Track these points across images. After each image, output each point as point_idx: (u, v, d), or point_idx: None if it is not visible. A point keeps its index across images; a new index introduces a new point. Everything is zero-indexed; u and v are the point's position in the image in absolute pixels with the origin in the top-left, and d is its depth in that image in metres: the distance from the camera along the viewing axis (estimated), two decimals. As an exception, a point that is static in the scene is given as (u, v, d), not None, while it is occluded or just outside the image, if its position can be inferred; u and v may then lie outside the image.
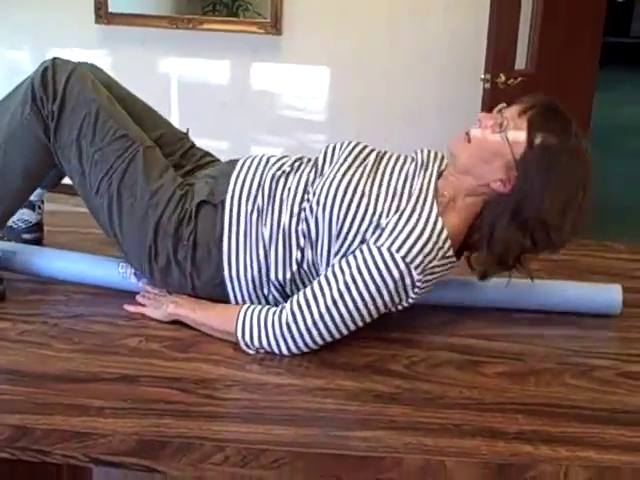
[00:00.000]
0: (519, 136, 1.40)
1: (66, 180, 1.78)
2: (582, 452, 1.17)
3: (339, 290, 1.39)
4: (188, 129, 1.80)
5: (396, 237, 1.38)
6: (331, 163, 1.55)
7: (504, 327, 1.56)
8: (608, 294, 1.61)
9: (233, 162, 1.64)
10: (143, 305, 1.57)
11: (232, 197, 1.53)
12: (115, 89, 1.70)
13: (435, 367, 1.41)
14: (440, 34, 3.78)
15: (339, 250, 1.45)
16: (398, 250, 1.37)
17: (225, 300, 1.54)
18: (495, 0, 3.02)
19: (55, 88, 1.53)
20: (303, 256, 1.49)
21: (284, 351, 1.41)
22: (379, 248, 1.38)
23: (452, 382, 1.36)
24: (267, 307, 1.45)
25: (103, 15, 4.10)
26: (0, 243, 1.71)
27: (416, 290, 1.41)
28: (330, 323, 1.39)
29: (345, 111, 4.04)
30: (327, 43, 3.95)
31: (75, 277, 1.66)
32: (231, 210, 1.52)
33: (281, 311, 1.42)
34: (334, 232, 1.45)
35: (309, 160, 1.60)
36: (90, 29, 4.16)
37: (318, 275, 1.49)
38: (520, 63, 3.29)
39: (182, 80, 4.21)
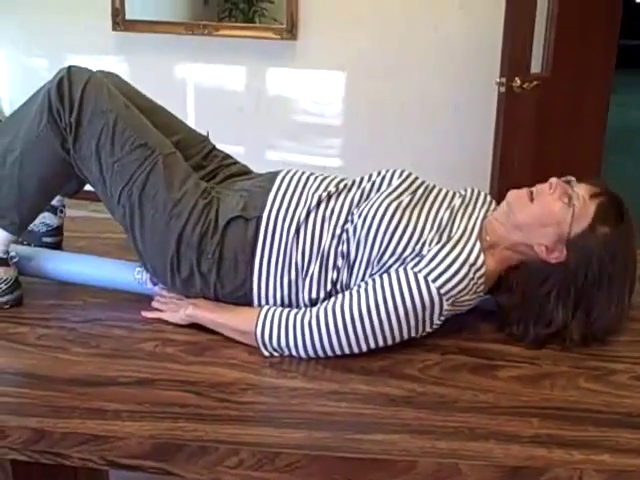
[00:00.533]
0: (584, 216, 1.43)
1: (87, 187, 1.80)
2: (597, 456, 1.17)
3: (368, 306, 1.40)
4: (208, 132, 1.80)
5: (435, 267, 1.40)
6: (379, 189, 1.55)
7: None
8: None
9: (271, 176, 1.62)
10: (160, 310, 1.58)
11: (269, 213, 1.52)
12: (133, 96, 1.70)
13: (449, 371, 1.41)
14: (455, 37, 3.78)
15: (377, 273, 1.46)
16: (435, 280, 1.39)
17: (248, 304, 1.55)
18: (510, 4, 3.02)
19: (71, 99, 1.52)
20: (339, 277, 1.48)
21: (301, 352, 1.42)
22: (416, 274, 1.39)
23: (466, 386, 1.36)
24: (289, 309, 1.46)
25: (120, 22, 4.14)
26: (17, 247, 1.73)
27: (441, 319, 1.43)
28: (352, 336, 1.40)
29: (361, 115, 4.05)
30: (342, 48, 3.95)
31: (91, 281, 1.67)
32: (266, 226, 1.51)
33: (304, 313, 1.43)
34: (374, 256, 1.45)
35: (354, 182, 1.59)
36: (107, 36, 4.19)
37: None
38: (536, 66, 3.28)
39: (199, 86, 4.23)
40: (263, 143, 4.22)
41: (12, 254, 1.62)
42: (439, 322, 1.44)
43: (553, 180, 1.48)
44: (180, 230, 1.51)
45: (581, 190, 1.47)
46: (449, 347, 1.49)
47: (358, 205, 1.51)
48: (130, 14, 4.13)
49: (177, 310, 1.54)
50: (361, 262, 1.47)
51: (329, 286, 1.48)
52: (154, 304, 1.59)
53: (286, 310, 1.45)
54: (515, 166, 3.25)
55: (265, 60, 4.09)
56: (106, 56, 4.25)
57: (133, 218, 1.54)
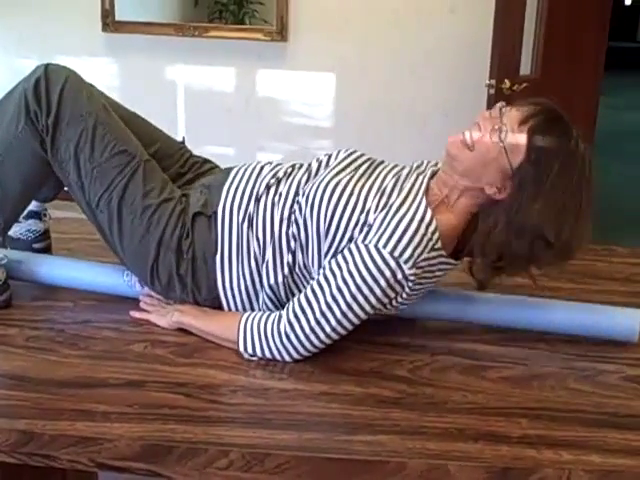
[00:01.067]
0: (517, 146, 1.38)
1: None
2: (585, 456, 1.18)
3: (332, 294, 1.38)
4: (184, 137, 1.80)
5: (382, 233, 1.37)
6: (325, 169, 1.55)
7: (507, 332, 1.56)
8: (626, 322, 1.51)
9: (228, 170, 1.63)
10: (148, 311, 1.58)
11: (224, 208, 1.53)
12: (110, 105, 1.67)
13: (439, 372, 1.41)
14: (445, 39, 3.79)
15: (329, 250, 1.45)
16: (385, 246, 1.36)
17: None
18: (500, 5, 3.03)
19: (49, 101, 1.50)
20: (295, 259, 1.48)
21: (286, 358, 1.42)
22: (366, 246, 1.38)
23: (456, 387, 1.36)
24: (266, 315, 1.45)
25: (110, 23, 4.12)
26: (5, 252, 1.72)
27: (410, 285, 1.39)
28: (327, 327, 1.39)
29: (351, 117, 4.05)
30: (332, 49, 3.96)
31: (80, 285, 1.67)
32: (223, 221, 1.52)
33: (279, 321, 1.42)
34: (322, 231, 1.44)
35: (301, 165, 1.60)
36: (97, 37, 4.18)
37: (311, 277, 1.48)
38: (525, 69, 3.30)
39: (188, 87, 4.23)
40: (253, 144, 4.21)
41: (0, 256, 1.61)
42: (413, 289, 1.40)
43: (479, 117, 1.45)
44: (160, 235, 1.51)
45: (512, 117, 1.41)
46: (439, 348, 1.49)
47: (306, 184, 1.52)
48: (120, 15, 4.12)
49: (164, 314, 1.55)
50: (312, 240, 1.46)
51: (286, 270, 1.48)
52: (142, 305, 1.59)
53: (264, 318, 1.44)
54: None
55: (255, 62, 4.09)
56: (96, 57, 4.23)
57: (112, 224, 1.53)
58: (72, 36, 4.23)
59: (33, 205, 1.77)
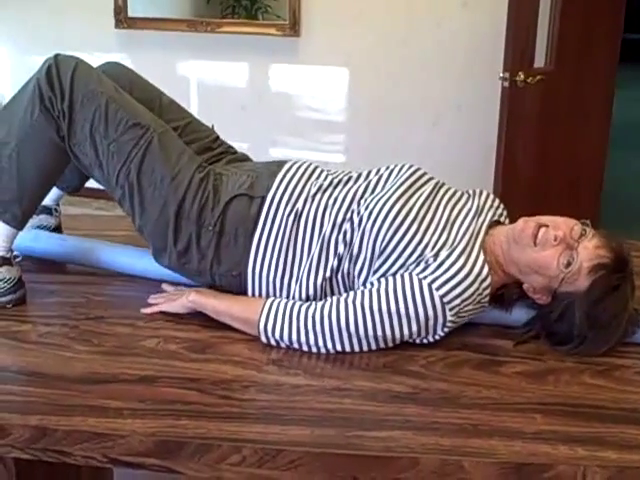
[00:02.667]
0: (575, 284, 1.42)
1: (88, 183, 1.80)
2: (601, 452, 1.16)
3: (371, 309, 1.40)
4: (213, 125, 1.84)
5: (440, 275, 1.40)
6: (386, 182, 1.56)
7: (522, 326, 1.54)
8: None
9: (279, 163, 1.65)
10: (157, 303, 1.58)
11: (273, 197, 1.54)
12: (141, 83, 1.75)
13: (453, 367, 1.40)
14: (458, 32, 3.76)
15: (379, 268, 1.46)
16: (438, 288, 1.39)
17: (242, 293, 1.56)
18: (513, -2, 3.01)
19: (62, 86, 1.53)
20: (340, 265, 1.48)
21: (303, 345, 1.42)
22: (420, 281, 1.40)
23: (470, 382, 1.36)
24: (294, 301, 1.46)
25: (123, 20, 4.14)
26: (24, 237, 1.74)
27: (445, 329, 1.43)
28: (354, 334, 1.41)
29: (364, 111, 4.04)
30: (345, 44, 3.95)
31: (113, 266, 1.72)
32: (269, 208, 1.53)
33: (309, 306, 1.43)
34: (377, 249, 1.45)
35: (360, 175, 1.60)
36: (110, 34, 4.20)
37: (351, 287, 1.50)
38: (539, 61, 3.27)
39: (201, 83, 4.23)
40: (266, 139, 4.21)
41: (15, 253, 1.62)
42: (442, 333, 1.43)
43: (560, 233, 1.42)
44: (179, 203, 1.53)
45: (585, 253, 1.42)
46: (453, 343, 1.48)
47: (363, 196, 1.52)
48: (132, 11, 4.13)
49: (176, 299, 1.55)
50: (365, 254, 1.47)
51: (328, 272, 1.48)
52: (150, 300, 1.59)
53: (291, 302, 1.45)
54: (519, 161, 3.24)
55: (268, 57, 4.08)
56: (109, 54, 4.23)
57: (132, 197, 1.55)
58: (85, 32, 4.25)
59: (46, 199, 1.77)
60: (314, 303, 1.45)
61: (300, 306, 1.44)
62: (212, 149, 1.75)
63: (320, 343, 1.41)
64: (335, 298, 1.44)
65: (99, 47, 4.24)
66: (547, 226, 1.44)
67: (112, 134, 1.54)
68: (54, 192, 1.80)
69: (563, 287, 1.43)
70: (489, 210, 1.58)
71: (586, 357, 1.43)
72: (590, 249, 1.43)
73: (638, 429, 1.22)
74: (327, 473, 1.18)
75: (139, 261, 1.70)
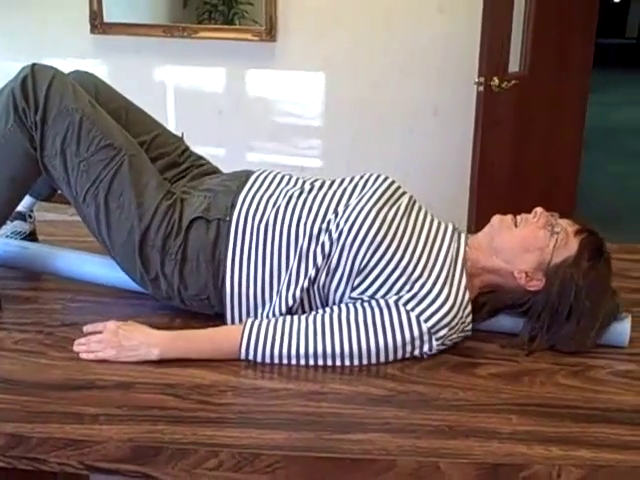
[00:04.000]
0: (566, 248, 1.46)
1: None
2: (575, 451, 1.18)
3: (358, 338, 1.40)
4: (183, 133, 1.81)
5: (428, 306, 1.40)
6: (361, 191, 1.53)
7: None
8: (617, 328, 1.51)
9: (239, 174, 1.62)
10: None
11: (239, 212, 1.51)
12: (107, 94, 1.71)
13: (429, 369, 1.41)
14: (434, 38, 3.79)
15: (358, 286, 1.45)
16: (427, 320, 1.40)
17: (214, 310, 1.54)
18: (488, 3, 3.04)
19: (36, 98, 1.52)
20: (317, 275, 1.46)
21: (286, 358, 1.40)
22: (408, 312, 1.40)
23: (446, 384, 1.36)
24: (274, 320, 1.43)
25: (98, 25, 4.11)
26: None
27: (428, 353, 1.43)
28: (338, 359, 1.40)
29: (341, 116, 4.05)
30: (322, 49, 3.96)
31: (87, 278, 1.69)
32: (237, 223, 1.50)
33: (292, 321, 1.42)
34: (356, 266, 1.44)
35: (333, 182, 1.58)
36: (86, 39, 4.17)
37: (326, 298, 1.49)
38: (514, 66, 3.30)
39: (178, 88, 4.22)
40: (243, 145, 4.21)
41: None
42: (425, 355, 1.44)
43: (538, 209, 1.51)
44: (144, 231, 1.51)
45: (564, 223, 1.50)
46: (429, 346, 1.49)
47: (339, 204, 1.50)
48: (108, 17, 4.11)
49: (129, 349, 1.41)
50: (344, 269, 1.45)
51: (306, 283, 1.46)
52: (92, 346, 1.43)
53: (272, 321, 1.43)
54: (494, 165, 3.27)
55: (244, 62, 4.08)
56: (84, 59, 4.22)
57: (99, 218, 1.53)
58: (60, 38, 4.22)
59: (20, 206, 1.76)
60: (295, 318, 1.43)
61: (283, 322, 1.42)
62: (178, 164, 1.72)
63: (302, 354, 1.40)
64: (319, 318, 1.42)
65: (74, 52, 4.22)
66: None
67: (83, 153, 1.52)
68: (27, 199, 1.79)
69: (555, 257, 1.45)
70: (459, 235, 1.57)
71: (573, 350, 1.46)
72: (567, 221, 1.51)
73: (611, 428, 1.24)
74: (305, 476, 1.18)
75: (101, 269, 1.68)
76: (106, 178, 1.52)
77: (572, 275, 1.44)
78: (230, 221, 1.51)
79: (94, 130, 1.54)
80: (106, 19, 4.11)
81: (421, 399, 1.32)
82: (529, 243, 1.47)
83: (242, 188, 1.56)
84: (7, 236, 1.79)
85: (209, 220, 1.52)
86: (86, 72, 1.74)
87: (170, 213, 1.53)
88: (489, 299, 1.52)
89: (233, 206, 1.53)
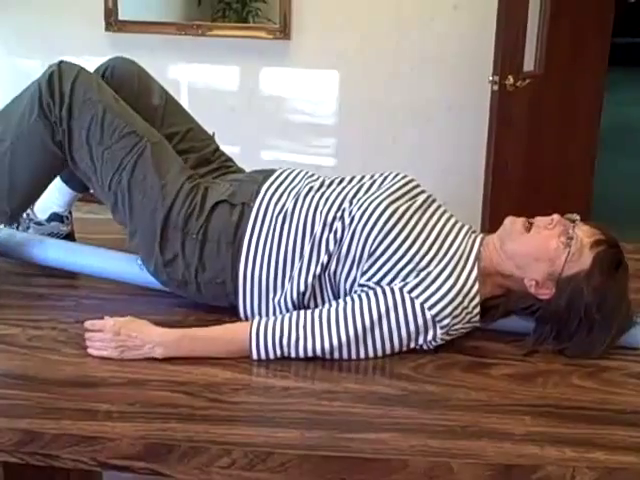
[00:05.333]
0: (579, 262, 1.43)
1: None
2: (589, 453, 1.17)
3: (363, 325, 1.40)
4: (214, 132, 1.84)
5: (432, 294, 1.40)
6: (379, 187, 1.55)
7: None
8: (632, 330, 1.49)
9: (265, 171, 1.66)
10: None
11: (262, 199, 1.55)
12: (146, 82, 1.79)
13: (442, 369, 1.41)
14: (449, 36, 3.77)
15: (367, 271, 1.45)
16: (431, 308, 1.39)
17: (228, 300, 1.55)
18: (503, 1, 3.02)
19: (62, 93, 1.56)
20: (329, 261, 1.48)
21: (294, 351, 1.40)
22: (412, 300, 1.40)
23: (459, 384, 1.36)
24: (281, 317, 1.44)
25: (113, 23, 4.13)
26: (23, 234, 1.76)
27: (433, 343, 1.43)
28: (345, 348, 1.40)
29: (354, 114, 4.04)
30: (335, 47, 3.95)
31: (94, 271, 1.70)
32: (258, 210, 1.53)
33: (299, 314, 1.43)
34: (367, 251, 1.45)
35: (353, 178, 1.61)
36: (100, 37, 4.18)
37: (337, 287, 1.49)
38: (528, 65, 3.28)
39: (192, 86, 4.23)
40: (256, 143, 4.21)
41: None
42: (431, 345, 1.43)
43: (555, 216, 1.48)
44: (167, 212, 1.54)
45: (582, 233, 1.46)
46: (442, 346, 1.47)
47: (356, 196, 1.53)
48: (123, 14, 4.12)
49: (138, 347, 1.41)
50: (354, 255, 1.46)
51: (319, 269, 1.48)
52: (96, 344, 1.43)
53: (279, 317, 1.43)
54: (508, 164, 3.25)
55: (258, 60, 4.08)
56: (99, 57, 4.19)
57: (123, 203, 1.57)
58: (75, 35, 4.23)
59: (57, 207, 1.81)
60: (301, 313, 1.43)
61: (289, 317, 1.42)
62: (209, 162, 1.75)
63: (309, 348, 1.40)
64: (325, 312, 1.42)
65: (89, 50, 4.23)
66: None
67: (107, 141, 1.56)
68: (65, 195, 1.81)
69: (567, 269, 1.43)
70: (477, 233, 1.58)
71: (581, 357, 1.44)
72: (585, 229, 1.47)
73: (626, 430, 1.23)
74: (317, 475, 1.18)
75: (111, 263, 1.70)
76: (129, 164, 1.56)
77: (582, 289, 1.42)
78: (253, 207, 1.54)
79: (117, 120, 1.58)
80: (121, 17, 4.12)
81: (434, 399, 1.31)
82: (540, 252, 1.45)
83: (267, 179, 1.60)
84: (44, 236, 1.79)
85: (234, 204, 1.55)
86: (126, 59, 1.83)
87: (192, 195, 1.56)
88: (501, 301, 1.51)
89: (258, 192, 1.56)
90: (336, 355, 1.41)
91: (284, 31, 3.92)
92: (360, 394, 1.32)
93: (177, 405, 1.27)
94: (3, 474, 1.39)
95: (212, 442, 1.18)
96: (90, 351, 1.42)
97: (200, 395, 1.30)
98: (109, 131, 1.56)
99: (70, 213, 1.87)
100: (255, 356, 1.40)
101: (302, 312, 1.44)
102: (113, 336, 1.41)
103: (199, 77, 4.21)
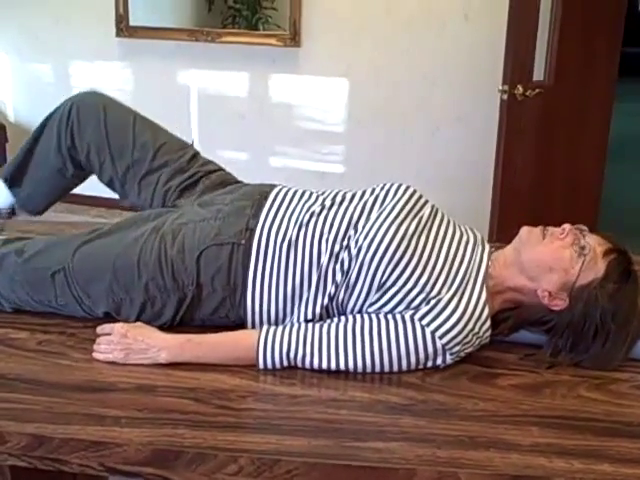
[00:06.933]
0: (593, 270, 1.43)
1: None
2: (596, 465, 1.17)
3: (372, 350, 1.39)
4: (193, 140, 1.82)
5: (443, 322, 1.39)
6: (382, 204, 1.51)
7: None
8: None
9: (250, 194, 1.59)
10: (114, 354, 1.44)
11: (262, 230, 1.49)
12: (114, 109, 1.76)
13: (450, 379, 1.41)
14: (459, 45, 3.78)
15: (377, 301, 1.44)
16: (442, 337, 1.39)
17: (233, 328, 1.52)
18: (513, 11, 3.03)
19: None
20: (336, 292, 1.46)
21: (301, 363, 1.40)
22: (423, 327, 1.39)
23: (467, 394, 1.36)
24: (288, 326, 1.43)
25: (124, 28, 4.15)
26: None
27: (441, 365, 1.43)
28: (351, 370, 1.40)
29: (364, 122, 4.05)
30: (345, 55, 3.96)
31: None
32: (259, 244, 1.48)
33: (308, 327, 1.42)
34: (376, 283, 1.43)
35: (354, 195, 1.57)
36: (111, 42, 4.21)
37: (344, 314, 1.48)
38: (538, 75, 3.29)
39: (202, 92, 4.24)
40: (266, 149, 4.22)
41: None
42: (440, 367, 1.43)
43: (566, 226, 1.48)
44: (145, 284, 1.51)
45: (593, 242, 1.46)
46: (449, 355, 1.48)
47: (359, 220, 1.49)
48: (134, 20, 4.15)
49: (144, 352, 1.42)
50: (362, 286, 1.44)
51: (326, 300, 1.46)
52: (103, 348, 1.44)
53: (287, 329, 1.42)
54: (518, 173, 3.25)
55: (268, 67, 4.10)
56: (110, 62, 4.26)
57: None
58: (86, 41, 4.26)
59: None
60: (310, 326, 1.42)
61: (298, 329, 1.42)
62: (184, 171, 1.71)
63: (316, 365, 1.40)
64: (333, 333, 1.41)
65: (100, 55, 4.26)
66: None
67: None
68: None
69: (581, 278, 1.43)
70: (482, 246, 1.56)
71: (598, 368, 1.44)
72: (596, 238, 1.47)
73: (633, 443, 1.22)
74: (323, 484, 1.18)
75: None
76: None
77: (597, 297, 1.41)
78: (248, 244, 1.49)
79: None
80: (132, 23, 4.15)
81: (441, 409, 1.31)
82: (554, 263, 1.45)
83: (260, 210, 1.54)
84: None
85: (221, 244, 1.50)
86: (90, 93, 1.79)
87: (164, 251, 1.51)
88: (512, 314, 1.50)
89: (248, 229, 1.50)
90: (343, 371, 1.41)
91: (294, 38, 3.93)
92: (367, 403, 1.32)
93: (185, 411, 1.27)
94: (11, 478, 1.39)
95: (220, 449, 1.18)
96: (95, 355, 1.43)
97: (208, 402, 1.30)
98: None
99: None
100: (262, 366, 1.40)
101: (311, 326, 1.43)
102: (120, 338, 1.42)
103: (209, 83, 4.23)
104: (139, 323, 1.48)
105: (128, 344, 1.42)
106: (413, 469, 1.16)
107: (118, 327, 1.45)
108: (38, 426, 1.22)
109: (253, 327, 1.51)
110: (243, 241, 1.49)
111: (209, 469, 1.18)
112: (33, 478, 1.49)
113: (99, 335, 1.47)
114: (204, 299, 1.51)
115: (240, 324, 1.52)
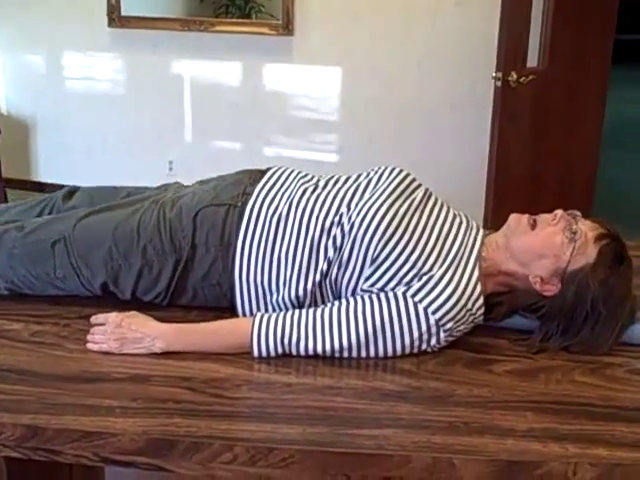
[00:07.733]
0: (584, 255, 1.43)
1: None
2: (591, 450, 1.17)
3: (366, 330, 1.39)
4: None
5: (435, 297, 1.39)
6: (375, 186, 1.53)
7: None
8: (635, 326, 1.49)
9: (250, 171, 1.64)
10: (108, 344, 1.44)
11: (254, 202, 1.52)
12: (99, 193, 1.77)
13: (444, 365, 1.41)
14: (452, 32, 3.78)
15: (369, 277, 1.44)
16: (434, 312, 1.39)
17: (227, 300, 1.53)
18: (506, -3, 3.02)
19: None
20: (329, 269, 1.46)
21: (296, 349, 1.40)
22: (416, 304, 1.39)
23: (461, 380, 1.36)
24: (283, 313, 1.44)
25: (116, 18, 4.13)
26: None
27: (436, 345, 1.43)
28: (346, 352, 1.40)
29: (358, 111, 4.04)
30: (339, 43, 3.95)
31: None
32: (250, 214, 1.51)
33: (301, 312, 1.42)
34: (369, 258, 1.43)
35: (348, 179, 1.59)
36: (103, 32, 4.19)
37: (338, 292, 1.48)
38: (532, 61, 3.28)
39: (195, 82, 4.23)
40: (259, 139, 4.21)
41: None
42: (434, 347, 1.43)
43: (558, 211, 1.48)
44: (143, 249, 1.52)
45: (585, 227, 1.46)
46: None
47: (352, 199, 1.50)
48: (126, 10, 4.13)
49: (139, 342, 1.42)
50: (356, 262, 1.45)
51: (318, 276, 1.46)
52: (96, 338, 1.44)
53: (281, 315, 1.43)
54: (512, 160, 3.25)
55: (261, 56, 4.09)
56: (102, 52, 4.24)
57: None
58: (78, 31, 4.24)
59: None
60: (309, 316, 1.42)
61: (292, 315, 1.42)
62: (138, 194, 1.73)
63: (310, 349, 1.40)
64: (327, 314, 1.41)
65: (92, 46, 4.24)
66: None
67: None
68: None
69: (572, 264, 1.43)
70: (476, 230, 1.56)
71: (587, 353, 1.44)
72: (588, 224, 1.47)
73: (628, 427, 1.23)
74: (319, 471, 1.18)
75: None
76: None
77: (588, 283, 1.41)
78: (243, 207, 1.52)
79: None
80: (124, 13, 4.13)
81: (436, 395, 1.31)
82: (545, 249, 1.45)
83: (258, 181, 1.58)
84: None
85: (218, 205, 1.53)
86: (73, 189, 1.80)
87: (163, 214, 1.53)
88: (505, 299, 1.50)
89: (245, 194, 1.54)
90: (337, 356, 1.41)
91: (287, 27, 3.92)
92: (362, 390, 1.32)
93: (179, 401, 1.27)
94: (6, 469, 1.39)
95: (214, 438, 1.18)
96: (89, 346, 1.42)
97: (202, 391, 1.30)
98: None
99: None
100: (256, 354, 1.40)
101: (304, 311, 1.43)
102: (114, 328, 1.42)
103: (202, 73, 4.21)
104: (133, 312, 1.47)
105: (122, 334, 1.42)
106: (408, 455, 1.16)
107: (112, 317, 1.45)
108: (32, 417, 1.21)
109: (242, 301, 1.52)
110: (239, 203, 1.53)
111: (204, 458, 1.18)
112: (29, 469, 1.49)
113: (93, 325, 1.47)
114: (197, 261, 1.51)
115: (231, 300, 1.52)
